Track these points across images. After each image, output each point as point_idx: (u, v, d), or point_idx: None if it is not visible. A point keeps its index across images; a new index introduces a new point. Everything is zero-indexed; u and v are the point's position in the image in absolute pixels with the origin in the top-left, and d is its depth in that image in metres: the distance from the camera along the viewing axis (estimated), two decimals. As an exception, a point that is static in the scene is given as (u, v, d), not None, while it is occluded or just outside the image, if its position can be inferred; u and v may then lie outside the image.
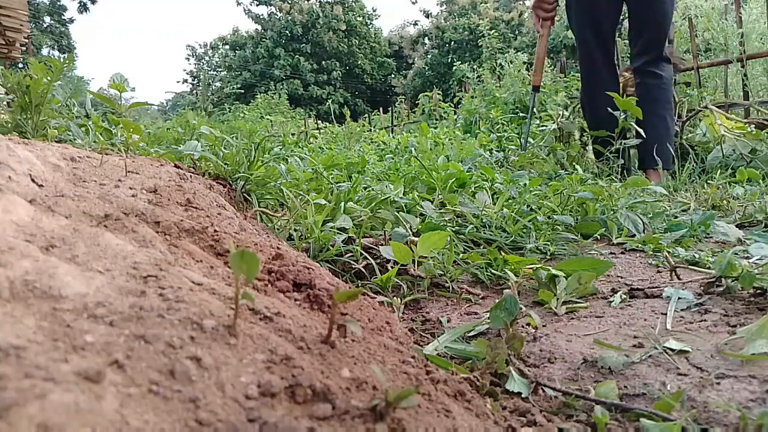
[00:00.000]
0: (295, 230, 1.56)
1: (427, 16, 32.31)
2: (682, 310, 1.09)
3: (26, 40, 8.27)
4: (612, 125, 2.77)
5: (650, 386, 0.76)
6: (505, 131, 4.71)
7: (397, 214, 1.73)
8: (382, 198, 1.88)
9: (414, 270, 1.35)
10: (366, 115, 14.59)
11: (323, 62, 30.12)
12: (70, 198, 0.82)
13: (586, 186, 2.06)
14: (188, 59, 35.75)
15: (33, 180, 0.89)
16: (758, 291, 1.12)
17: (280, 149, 3.40)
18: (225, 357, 0.47)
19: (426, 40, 32.27)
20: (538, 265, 1.33)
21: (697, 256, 1.46)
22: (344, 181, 2.30)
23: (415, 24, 34.52)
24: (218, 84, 31.29)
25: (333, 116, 8.16)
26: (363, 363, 0.58)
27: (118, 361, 0.41)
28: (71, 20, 32.34)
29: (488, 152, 3.77)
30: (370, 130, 7.33)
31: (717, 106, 3.48)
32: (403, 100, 13.93)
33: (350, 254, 1.44)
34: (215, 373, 0.45)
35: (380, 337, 0.73)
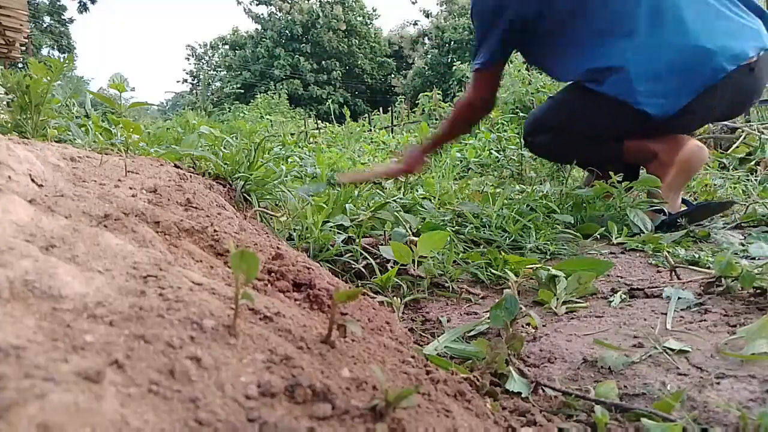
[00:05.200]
0: (295, 230, 1.56)
1: (427, 16, 32.27)
2: (682, 310, 1.09)
3: (26, 40, 8.28)
4: None
5: (650, 386, 0.76)
6: (505, 131, 4.70)
7: (396, 214, 1.73)
8: (382, 201, 1.88)
9: (414, 270, 1.35)
10: (366, 115, 14.59)
11: (323, 62, 30.09)
12: (70, 198, 0.82)
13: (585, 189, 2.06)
14: (188, 59, 35.74)
15: (33, 180, 0.89)
16: (758, 291, 1.12)
17: (280, 149, 3.40)
18: (225, 357, 0.47)
19: (426, 40, 32.23)
20: (538, 265, 1.33)
21: (697, 256, 1.46)
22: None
23: (415, 24, 34.50)
24: (218, 84, 31.28)
25: (333, 116, 8.14)
26: (363, 363, 0.58)
27: (118, 361, 0.41)
28: (71, 20, 32.33)
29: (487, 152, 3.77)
30: (370, 130, 7.34)
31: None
32: (402, 100, 13.94)
33: (350, 254, 1.44)
34: (215, 373, 0.45)
35: (380, 337, 0.73)
